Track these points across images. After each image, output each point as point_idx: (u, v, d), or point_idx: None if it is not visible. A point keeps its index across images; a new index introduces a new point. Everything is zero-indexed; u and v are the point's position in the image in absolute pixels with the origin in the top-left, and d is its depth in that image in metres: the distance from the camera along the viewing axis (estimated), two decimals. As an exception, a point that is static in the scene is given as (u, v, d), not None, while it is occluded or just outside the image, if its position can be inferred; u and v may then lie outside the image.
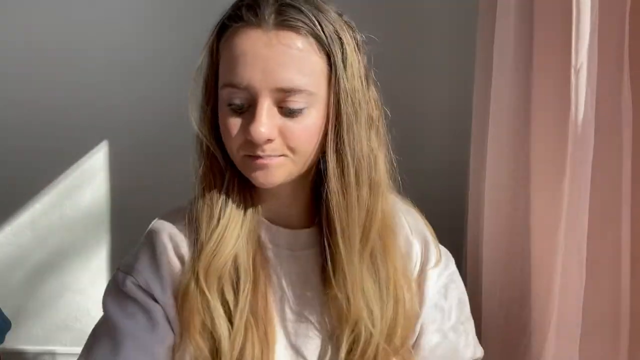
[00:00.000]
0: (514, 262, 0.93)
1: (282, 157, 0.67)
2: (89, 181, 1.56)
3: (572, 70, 0.78)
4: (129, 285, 0.71)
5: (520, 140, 0.91)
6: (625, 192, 0.80)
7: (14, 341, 1.59)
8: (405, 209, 0.81)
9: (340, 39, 0.67)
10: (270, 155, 0.66)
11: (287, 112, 0.65)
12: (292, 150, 0.67)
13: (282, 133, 0.66)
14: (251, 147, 0.66)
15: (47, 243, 1.61)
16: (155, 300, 0.71)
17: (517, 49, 0.90)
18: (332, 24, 0.67)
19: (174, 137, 1.13)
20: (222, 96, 0.67)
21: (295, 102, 0.65)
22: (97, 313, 0.74)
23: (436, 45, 1.42)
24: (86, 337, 0.74)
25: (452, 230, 1.03)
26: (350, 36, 0.68)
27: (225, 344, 0.68)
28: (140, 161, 1.54)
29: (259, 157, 0.66)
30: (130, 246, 0.77)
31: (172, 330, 0.71)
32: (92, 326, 0.74)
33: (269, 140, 0.65)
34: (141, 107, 1.52)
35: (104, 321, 0.73)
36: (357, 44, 0.70)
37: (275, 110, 0.65)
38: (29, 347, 1.64)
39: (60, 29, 1.51)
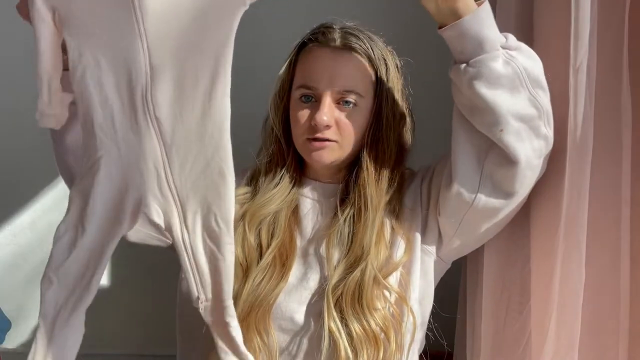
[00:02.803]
0: (514, 262, 0.93)
1: (333, 142, 0.90)
2: (89, 181, 1.56)
3: (571, 70, 0.78)
4: None
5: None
6: (625, 192, 0.79)
7: (14, 341, 1.59)
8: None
9: (385, 61, 0.91)
10: (325, 140, 0.89)
11: (342, 106, 0.89)
12: (341, 137, 0.90)
13: (337, 123, 0.89)
14: (313, 131, 0.89)
15: (47, 243, 1.60)
16: None
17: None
18: (380, 50, 0.91)
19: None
20: (296, 94, 0.92)
21: (348, 97, 0.88)
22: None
23: (436, 45, 1.42)
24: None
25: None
26: (392, 60, 0.93)
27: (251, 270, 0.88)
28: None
29: (317, 140, 0.89)
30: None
31: None
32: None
33: (327, 127, 0.88)
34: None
35: None
36: (397, 67, 0.94)
37: (333, 105, 0.89)
38: (29, 347, 1.64)
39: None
